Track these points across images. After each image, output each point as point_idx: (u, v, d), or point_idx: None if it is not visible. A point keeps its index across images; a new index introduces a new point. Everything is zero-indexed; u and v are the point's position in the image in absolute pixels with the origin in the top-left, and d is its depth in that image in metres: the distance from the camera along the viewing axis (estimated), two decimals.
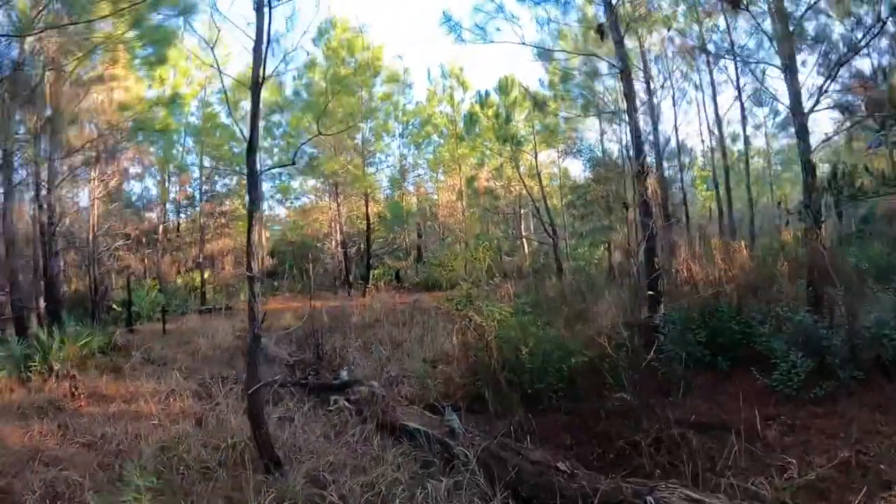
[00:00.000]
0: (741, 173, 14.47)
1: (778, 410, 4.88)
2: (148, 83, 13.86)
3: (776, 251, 8.85)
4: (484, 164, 21.55)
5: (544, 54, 11.22)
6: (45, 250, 9.79)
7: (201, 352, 9.31)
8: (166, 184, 20.43)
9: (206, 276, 18.60)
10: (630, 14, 8.65)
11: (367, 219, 19.93)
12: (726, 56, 12.05)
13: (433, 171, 24.89)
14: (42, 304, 9.70)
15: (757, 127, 16.84)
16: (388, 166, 23.34)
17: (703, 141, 16.60)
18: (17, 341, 7.78)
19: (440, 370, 7.18)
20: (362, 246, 20.79)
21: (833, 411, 4.73)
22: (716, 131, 14.28)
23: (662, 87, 13.50)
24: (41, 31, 7.73)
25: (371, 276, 19.31)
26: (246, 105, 12.65)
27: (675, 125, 14.08)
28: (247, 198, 5.32)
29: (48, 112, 9.33)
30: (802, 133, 7.47)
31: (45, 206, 9.70)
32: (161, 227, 19.77)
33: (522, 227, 21.10)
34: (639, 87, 11.96)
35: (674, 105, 14.17)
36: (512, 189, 20.21)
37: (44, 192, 9.73)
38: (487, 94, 20.09)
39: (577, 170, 24.52)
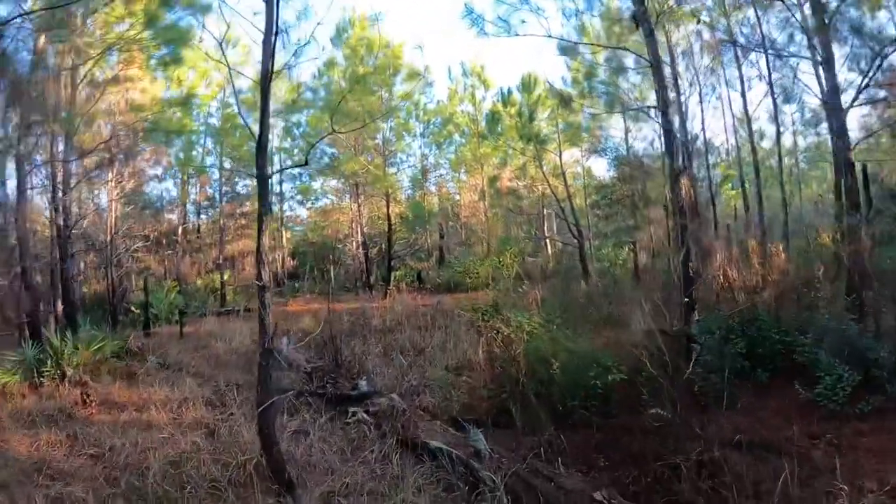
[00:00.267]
0: (769, 171, 13.92)
1: (823, 427, 4.65)
2: (166, 84, 13.78)
3: (814, 254, 8.36)
4: (507, 163, 21.15)
5: (570, 49, 10.81)
6: (61, 252, 9.71)
7: (218, 356, 9.11)
8: (186, 185, 20.46)
9: (226, 277, 18.50)
10: (659, 7, 8.27)
11: (388, 219, 19.68)
12: (757, 50, 11.52)
13: (455, 170, 24.52)
14: (59, 306, 9.63)
15: (783, 124, 16.21)
16: (409, 166, 23.04)
17: (727, 139, 15.96)
18: (31, 345, 7.63)
19: (463, 380, 6.89)
20: (383, 247, 20.53)
21: (881, 427, 4.50)
22: (744, 129, 13.76)
23: (691, 84, 13.00)
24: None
25: (392, 278, 19.04)
26: None
27: (703, 123, 13.79)
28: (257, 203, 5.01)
29: (63, 113, 9.22)
30: (840, 130, 7.01)
31: (60, 207, 9.61)
32: (181, 229, 19.83)
33: (545, 227, 20.64)
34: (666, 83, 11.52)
35: (700, 102, 13.71)
36: (535, 189, 19.76)
37: (60, 193, 9.65)
38: (510, 92, 19.71)
39: (601, 169, 23.94)
